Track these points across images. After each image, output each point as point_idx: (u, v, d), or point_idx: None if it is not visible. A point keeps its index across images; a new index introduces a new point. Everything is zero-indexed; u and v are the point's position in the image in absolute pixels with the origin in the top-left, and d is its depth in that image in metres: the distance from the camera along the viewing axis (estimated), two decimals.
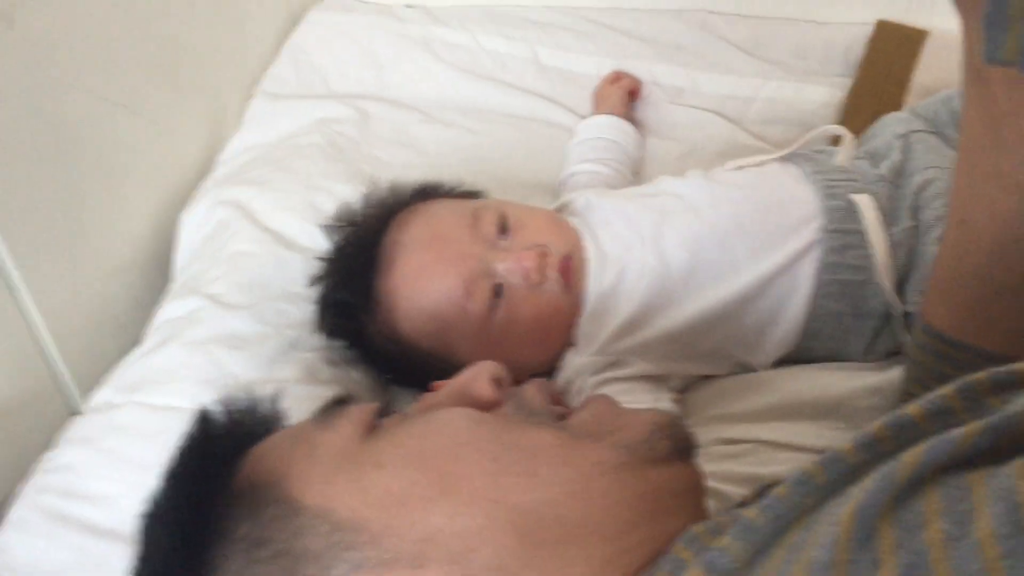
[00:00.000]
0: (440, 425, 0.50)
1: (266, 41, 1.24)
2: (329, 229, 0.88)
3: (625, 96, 1.11)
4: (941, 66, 1.05)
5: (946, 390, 0.41)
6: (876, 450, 0.39)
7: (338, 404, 0.55)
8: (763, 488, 0.52)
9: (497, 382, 0.56)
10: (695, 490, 0.51)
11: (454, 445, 0.49)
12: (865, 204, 0.79)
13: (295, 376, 0.82)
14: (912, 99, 1.04)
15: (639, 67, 1.14)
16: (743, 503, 0.53)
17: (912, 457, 0.35)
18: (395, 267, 0.80)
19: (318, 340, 0.86)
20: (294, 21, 1.27)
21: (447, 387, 0.57)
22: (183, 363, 0.82)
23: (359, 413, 0.52)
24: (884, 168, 0.83)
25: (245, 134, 1.11)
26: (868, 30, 1.11)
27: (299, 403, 0.62)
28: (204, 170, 1.08)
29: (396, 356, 0.83)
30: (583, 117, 1.11)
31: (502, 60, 1.19)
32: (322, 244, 0.89)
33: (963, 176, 0.58)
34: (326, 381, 0.82)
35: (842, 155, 0.85)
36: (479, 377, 0.56)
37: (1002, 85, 0.52)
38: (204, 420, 0.54)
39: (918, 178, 0.81)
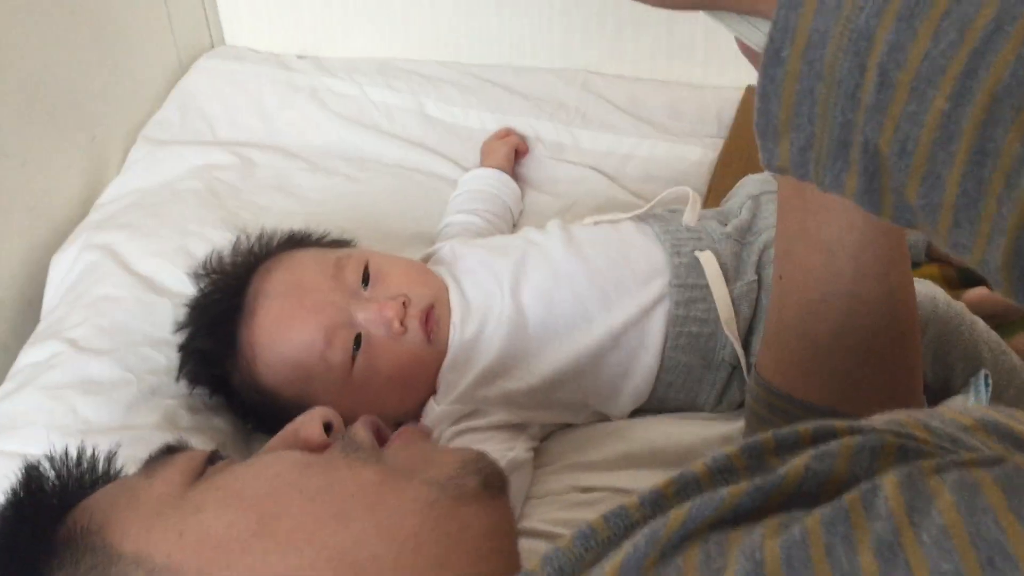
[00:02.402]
0: (263, 467, 0.51)
1: (154, 86, 1.23)
2: (195, 276, 0.88)
3: (511, 152, 1.13)
4: None
5: (732, 449, 0.42)
6: (659, 505, 0.40)
7: (167, 452, 0.55)
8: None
9: (327, 425, 0.57)
10: (505, 529, 0.52)
11: (275, 486, 0.49)
12: (707, 260, 0.83)
13: (154, 422, 0.81)
14: None
15: (523, 123, 1.17)
16: None
17: (679, 513, 0.36)
18: (257, 316, 0.81)
19: (181, 387, 0.85)
20: (184, 68, 1.27)
21: (279, 433, 0.57)
22: (36, 408, 0.81)
23: (186, 460, 0.53)
24: (731, 227, 0.87)
25: (124, 179, 1.11)
26: (738, 95, 1.16)
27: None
28: (81, 214, 1.07)
29: (259, 404, 0.83)
30: (467, 169, 1.13)
31: (388, 111, 1.21)
32: (191, 291, 0.89)
33: (779, 236, 0.61)
34: (186, 428, 0.82)
35: (688, 214, 0.88)
36: (309, 421, 0.57)
37: None
38: (29, 473, 0.54)
39: (764, 236, 0.85)
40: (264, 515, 0.48)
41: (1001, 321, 0.84)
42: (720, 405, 0.84)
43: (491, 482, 0.52)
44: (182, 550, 0.47)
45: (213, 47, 1.33)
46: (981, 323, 0.79)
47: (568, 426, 0.85)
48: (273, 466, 0.51)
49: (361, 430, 0.55)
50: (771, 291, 0.64)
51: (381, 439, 0.56)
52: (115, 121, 1.16)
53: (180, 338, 0.87)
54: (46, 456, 0.56)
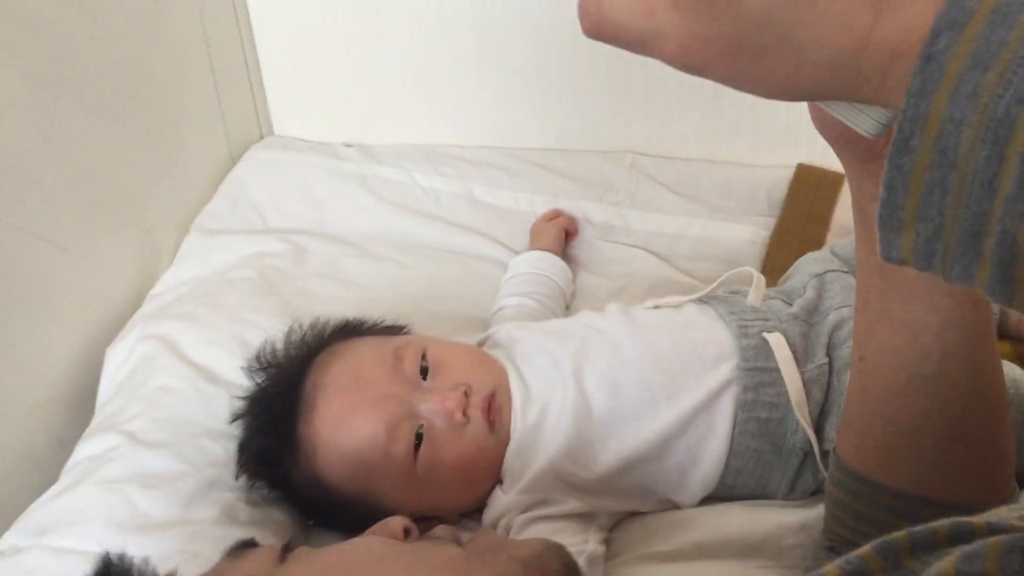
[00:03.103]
0: (355, 546, 0.51)
1: (204, 178, 1.25)
2: (250, 370, 0.87)
3: (561, 233, 1.13)
4: None
5: (864, 550, 0.40)
6: None
7: (245, 547, 0.54)
8: None
9: (407, 530, 0.56)
10: None
11: (370, 559, 0.49)
12: (777, 342, 0.81)
13: (212, 517, 0.79)
14: (833, 238, 1.07)
15: (571, 205, 1.17)
16: None
17: None
18: (316, 411, 0.80)
19: (240, 479, 0.84)
20: (233, 159, 1.29)
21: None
22: (93, 503, 0.79)
23: (268, 550, 0.52)
24: (797, 306, 0.85)
25: (177, 269, 1.11)
26: (789, 172, 1.16)
27: (215, 544, 0.61)
28: (134, 305, 1.07)
29: (319, 500, 0.81)
30: (516, 252, 1.13)
31: (437, 196, 1.22)
32: (247, 381, 0.88)
33: (859, 316, 0.60)
34: (246, 522, 0.80)
35: (753, 295, 0.87)
36: (390, 522, 0.56)
37: None
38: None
39: (832, 317, 0.83)
40: None
41: None
42: (792, 493, 0.81)
43: (571, 571, 0.51)
44: None
45: (262, 138, 1.34)
46: None
47: (636, 515, 0.83)
48: (366, 544, 0.52)
49: (439, 530, 0.54)
50: (850, 373, 0.62)
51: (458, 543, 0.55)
52: (167, 212, 1.17)
53: (237, 430, 0.86)
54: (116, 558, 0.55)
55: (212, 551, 0.58)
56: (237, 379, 0.91)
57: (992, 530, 0.38)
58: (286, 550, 0.53)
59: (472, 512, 0.83)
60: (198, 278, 1.08)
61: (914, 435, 0.58)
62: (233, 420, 0.87)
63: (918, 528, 0.40)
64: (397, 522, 0.56)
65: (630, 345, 0.83)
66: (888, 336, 0.57)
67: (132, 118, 1.10)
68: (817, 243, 1.06)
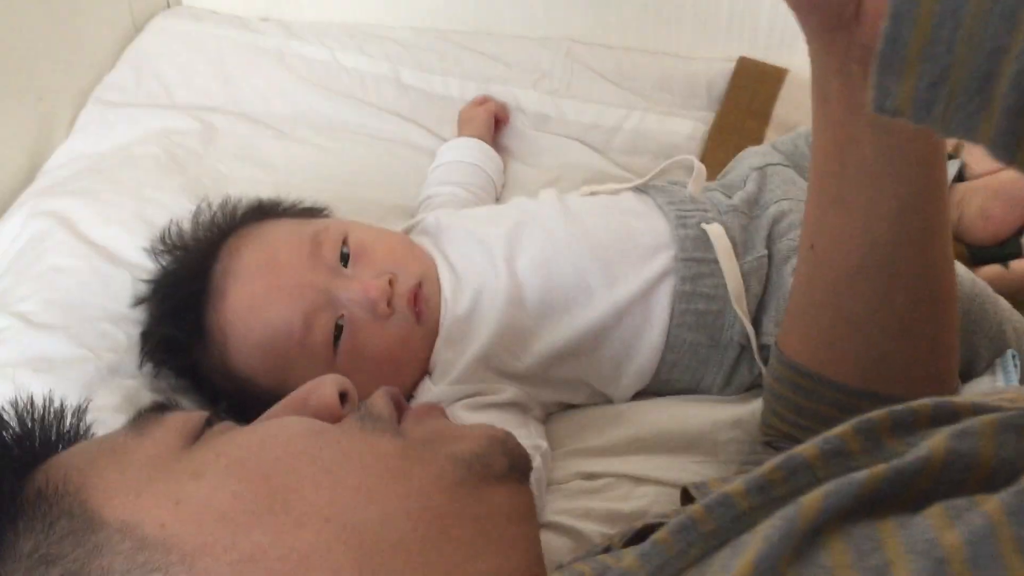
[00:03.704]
0: (272, 434, 0.45)
1: (104, 47, 1.15)
2: (154, 251, 0.80)
3: (491, 120, 1.07)
4: (801, 103, 1.06)
5: (842, 429, 0.38)
6: (768, 494, 0.36)
7: (157, 411, 0.49)
8: (633, 531, 0.48)
9: (342, 395, 0.50)
10: (531, 518, 0.47)
11: (286, 456, 0.43)
12: (716, 233, 0.77)
13: (114, 404, 0.73)
14: (773, 134, 1.04)
15: (504, 92, 1.11)
16: (608, 547, 0.49)
17: (812, 501, 0.32)
18: (227, 299, 0.74)
19: (144, 368, 0.78)
20: (137, 28, 1.19)
21: (286, 398, 0.51)
22: None
23: (181, 420, 0.46)
24: (737, 199, 0.82)
25: (73, 143, 1.02)
26: (730, 66, 1.11)
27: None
28: (26, 180, 0.98)
29: (232, 391, 0.76)
30: (445, 140, 1.07)
31: (361, 77, 1.14)
32: (150, 262, 0.81)
33: (812, 202, 0.57)
34: None
35: (692, 185, 0.84)
36: (322, 387, 0.50)
37: (843, 110, 0.51)
38: None
39: (773, 209, 0.80)
40: (275, 487, 0.42)
41: (1014, 301, 0.81)
42: (728, 388, 0.79)
43: (518, 464, 0.47)
44: (178, 520, 0.40)
45: (168, 7, 1.24)
46: (1004, 302, 0.76)
47: (567, 408, 0.80)
48: (282, 433, 0.45)
49: (380, 400, 0.49)
50: (797, 262, 0.60)
51: (401, 413, 0.50)
52: (61, 82, 1.07)
53: (141, 314, 0.80)
54: (9, 403, 0.48)
55: None
56: (139, 260, 0.84)
57: (976, 411, 0.36)
58: (207, 424, 0.47)
59: None
60: (96, 153, 1.00)
61: (861, 326, 0.56)
62: (136, 304, 0.80)
63: (899, 407, 0.38)
64: (330, 386, 0.50)
65: (565, 231, 0.79)
66: (841, 223, 0.55)
67: None
68: (756, 139, 1.03)
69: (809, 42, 0.52)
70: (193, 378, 0.78)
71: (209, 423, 0.48)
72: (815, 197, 0.57)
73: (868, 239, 0.54)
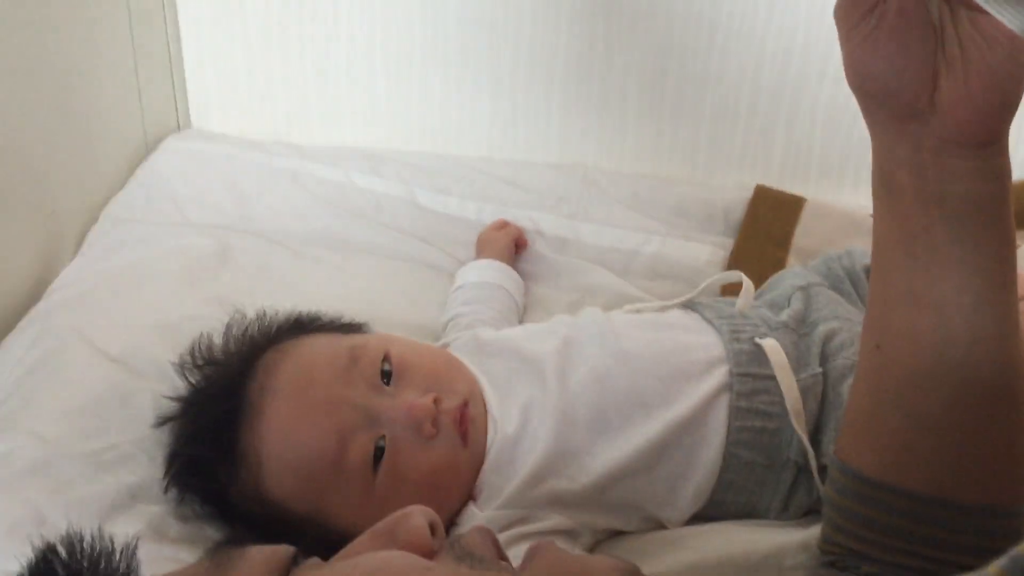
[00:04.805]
0: (377, 567, 0.40)
1: (117, 166, 1.13)
2: (183, 367, 0.76)
3: (511, 244, 1.06)
4: (820, 231, 1.07)
5: (993, 569, 0.33)
6: None
7: (232, 544, 0.44)
8: None
9: (432, 527, 0.46)
10: None
11: None
12: (772, 347, 0.76)
13: (136, 532, 0.67)
14: (794, 261, 1.04)
15: (522, 215, 1.10)
16: None
17: None
18: (264, 417, 0.70)
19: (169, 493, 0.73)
20: (149, 148, 1.17)
21: (369, 531, 0.46)
22: None
23: (267, 554, 0.42)
24: (786, 316, 0.81)
25: (83, 260, 0.99)
26: (746, 194, 1.12)
27: (143, 566, 0.50)
28: (31, 297, 0.94)
29: (261, 518, 0.71)
30: (462, 262, 1.05)
31: (376, 199, 1.12)
32: (175, 377, 0.77)
33: (876, 298, 0.55)
34: (175, 539, 0.69)
35: (741, 301, 0.82)
36: (412, 517, 0.46)
37: (913, 201, 0.50)
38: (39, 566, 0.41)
39: (823, 328, 0.79)
40: None
41: None
42: (785, 512, 0.76)
43: None
44: None
45: (179, 129, 1.23)
46: None
47: (619, 535, 0.75)
48: (391, 566, 0.40)
49: (479, 540, 0.45)
50: (860, 366, 0.57)
51: (500, 555, 0.46)
52: (73, 200, 1.04)
53: (165, 434, 0.75)
54: (59, 541, 0.43)
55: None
56: (161, 376, 0.79)
57: None
58: (293, 563, 0.43)
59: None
60: (108, 270, 0.96)
61: (933, 430, 0.53)
62: (160, 424, 0.75)
63: None
64: (420, 518, 0.45)
65: (617, 346, 0.76)
66: (910, 319, 0.52)
67: (43, 94, 0.98)
68: (779, 266, 1.03)
69: (874, 135, 0.51)
70: (219, 503, 0.73)
71: (295, 560, 0.44)
72: (880, 294, 0.55)
73: (941, 335, 0.51)
